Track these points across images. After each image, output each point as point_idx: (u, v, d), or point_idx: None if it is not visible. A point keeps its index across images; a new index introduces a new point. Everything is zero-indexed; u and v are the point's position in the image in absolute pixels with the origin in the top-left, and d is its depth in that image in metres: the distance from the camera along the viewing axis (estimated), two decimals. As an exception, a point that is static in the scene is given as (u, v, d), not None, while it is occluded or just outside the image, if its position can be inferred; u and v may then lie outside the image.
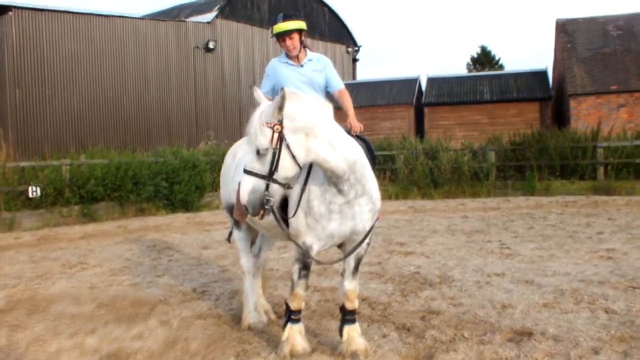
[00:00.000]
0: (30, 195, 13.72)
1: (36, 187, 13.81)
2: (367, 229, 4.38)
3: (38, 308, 6.37)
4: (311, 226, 4.27)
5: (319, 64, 5.06)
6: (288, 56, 5.01)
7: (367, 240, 4.51)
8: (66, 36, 20.95)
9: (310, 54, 5.09)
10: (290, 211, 4.33)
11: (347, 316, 4.58)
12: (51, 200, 14.02)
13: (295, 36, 4.87)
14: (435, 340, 4.81)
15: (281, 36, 4.84)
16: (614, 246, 8.61)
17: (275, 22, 4.84)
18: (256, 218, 4.22)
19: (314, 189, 4.24)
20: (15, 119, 19.81)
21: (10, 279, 7.97)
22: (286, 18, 4.85)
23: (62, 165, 14.76)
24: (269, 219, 4.49)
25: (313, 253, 4.35)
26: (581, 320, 5.18)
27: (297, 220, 4.32)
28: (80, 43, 21.28)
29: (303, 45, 4.98)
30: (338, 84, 5.13)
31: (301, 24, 4.87)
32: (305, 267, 4.43)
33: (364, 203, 4.28)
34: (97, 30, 21.85)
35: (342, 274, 4.65)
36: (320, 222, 4.23)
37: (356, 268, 4.58)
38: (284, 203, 4.44)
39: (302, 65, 5.00)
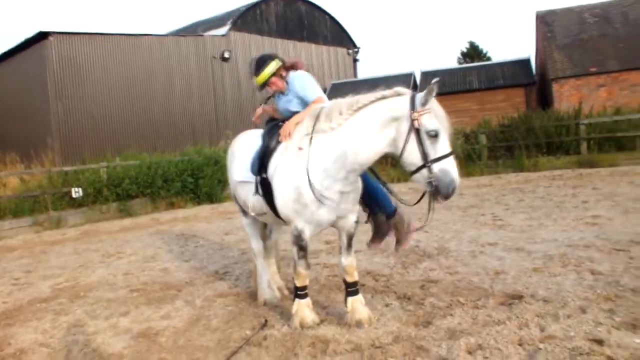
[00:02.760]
0: (73, 195, 13.74)
1: (78, 188, 13.83)
2: (352, 213, 4.29)
3: (79, 295, 6.32)
4: (299, 211, 4.16)
5: (288, 95, 4.74)
6: None
7: (354, 219, 4.37)
8: (100, 55, 21.03)
9: (289, 82, 4.72)
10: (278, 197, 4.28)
11: (350, 288, 4.46)
12: (92, 199, 14.03)
13: (274, 80, 4.67)
14: (433, 307, 4.66)
15: (265, 84, 4.66)
16: (599, 213, 8.36)
17: (254, 73, 4.63)
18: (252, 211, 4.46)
19: (307, 175, 4.10)
20: (58, 129, 19.94)
21: (56, 269, 7.94)
22: (258, 69, 4.62)
23: (100, 168, 14.74)
24: (260, 207, 4.53)
25: (306, 237, 4.26)
26: (569, 282, 4.99)
27: (285, 206, 4.25)
28: (112, 60, 21.35)
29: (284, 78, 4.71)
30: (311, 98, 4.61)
31: (273, 67, 4.62)
32: (301, 248, 4.33)
33: (353, 192, 4.20)
34: (127, 48, 21.90)
35: (339, 252, 4.53)
36: (310, 207, 4.11)
37: (349, 244, 4.45)
38: (269, 192, 4.39)
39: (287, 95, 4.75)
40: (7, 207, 13.25)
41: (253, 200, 4.61)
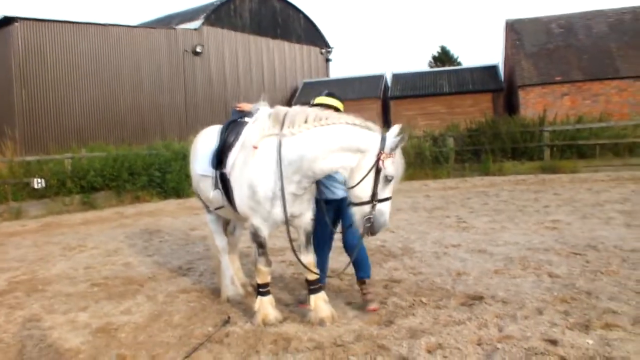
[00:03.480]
0: (35, 186, 13.35)
1: (40, 179, 13.44)
2: (308, 211, 4.35)
3: (36, 288, 6.14)
4: (255, 209, 4.24)
5: None
6: None
7: (311, 217, 4.41)
8: (67, 43, 20.52)
9: None
10: (236, 194, 4.35)
11: (311, 286, 4.47)
12: (54, 191, 13.67)
13: None
14: (396, 306, 4.69)
15: (317, 107, 4.51)
16: (559, 218, 8.57)
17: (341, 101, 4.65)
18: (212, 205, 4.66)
19: (262, 174, 4.16)
20: (21, 118, 19.40)
21: (14, 262, 7.71)
22: (329, 95, 4.67)
23: (64, 159, 14.38)
24: (219, 201, 4.63)
25: (263, 234, 4.31)
26: (528, 284, 5.10)
27: (242, 203, 4.33)
28: (80, 49, 20.85)
29: None
30: None
31: (337, 105, 4.57)
32: (260, 245, 4.38)
33: (307, 194, 4.30)
34: (95, 38, 21.40)
35: (298, 250, 4.49)
36: (264, 205, 4.17)
37: (308, 242, 4.47)
38: (228, 189, 4.46)
39: None
40: (-36, 197, 12.82)
41: (213, 194, 4.64)
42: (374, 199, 3.81)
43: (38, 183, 13.38)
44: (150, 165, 14.93)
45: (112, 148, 16.24)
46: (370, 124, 3.95)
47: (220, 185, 4.56)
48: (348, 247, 4.69)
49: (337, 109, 4.49)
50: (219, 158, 4.52)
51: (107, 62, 21.75)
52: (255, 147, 4.20)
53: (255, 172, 4.18)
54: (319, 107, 4.30)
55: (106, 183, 14.29)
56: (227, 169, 4.44)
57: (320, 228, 4.61)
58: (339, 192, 4.58)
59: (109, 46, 21.88)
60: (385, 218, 3.85)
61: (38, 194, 13.52)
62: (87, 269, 6.97)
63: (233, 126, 4.61)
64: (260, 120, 4.39)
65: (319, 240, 4.70)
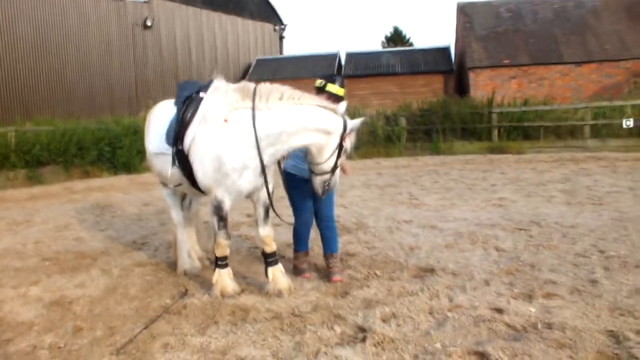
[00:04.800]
0: (-25, 160, 12.74)
1: (-19, 152, 12.83)
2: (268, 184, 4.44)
3: (-18, 263, 5.94)
4: (220, 181, 4.26)
5: None
6: None
7: (271, 189, 4.50)
8: (10, 11, 19.34)
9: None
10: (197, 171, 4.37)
11: (269, 258, 4.54)
12: (-4, 165, 13.08)
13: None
14: (351, 278, 4.83)
15: (326, 93, 4.66)
16: (505, 195, 8.93)
17: (330, 80, 4.74)
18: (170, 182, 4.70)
19: (232, 146, 4.19)
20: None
21: (-44, 237, 7.40)
22: (342, 85, 4.79)
23: (7, 132, 13.73)
24: (177, 178, 4.64)
25: (226, 207, 4.33)
26: (476, 257, 5.34)
27: (205, 176, 4.33)
28: (21, 15, 19.70)
29: None
30: None
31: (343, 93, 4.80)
32: (221, 218, 4.40)
33: (272, 166, 4.46)
34: (40, 7, 20.28)
35: (256, 223, 4.61)
36: (231, 176, 4.21)
37: (266, 215, 4.57)
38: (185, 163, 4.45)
39: None
40: None
41: (171, 171, 4.58)
42: (334, 170, 4.27)
43: (-21, 157, 12.78)
44: (100, 139, 14.49)
45: (60, 122, 15.59)
46: (334, 107, 4.27)
47: (177, 162, 4.50)
48: (322, 218, 4.94)
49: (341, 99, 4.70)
50: (177, 135, 4.45)
51: (53, 33, 20.70)
52: (225, 121, 4.21)
53: (223, 144, 4.19)
54: (326, 94, 4.59)
55: (53, 158, 13.78)
56: (186, 145, 4.39)
57: (304, 202, 4.84)
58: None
59: (54, 16, 20.85)
60: (337, 181, 4.44)
61: (-22, 168, 12.92)
62: (36, 244, 6.78)
63: (188, 102, 4.52)
64: (223, 94, 4.36)
65: (304, 212, 4.90)
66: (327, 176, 4.29)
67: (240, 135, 4.19)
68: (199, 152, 4.32)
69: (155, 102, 5.60)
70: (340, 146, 4.22)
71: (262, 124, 4.17)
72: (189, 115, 4.42)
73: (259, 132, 4.15)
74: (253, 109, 4.20)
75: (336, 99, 4.62)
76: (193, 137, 4.36)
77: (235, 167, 4.20)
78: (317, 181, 4.31)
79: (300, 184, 4.79)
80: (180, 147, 4.43)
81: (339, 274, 4.84)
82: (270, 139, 4.18)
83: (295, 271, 5.03)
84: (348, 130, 4.25)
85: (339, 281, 4.74)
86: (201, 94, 4.51)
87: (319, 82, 4.73)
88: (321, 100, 4.31)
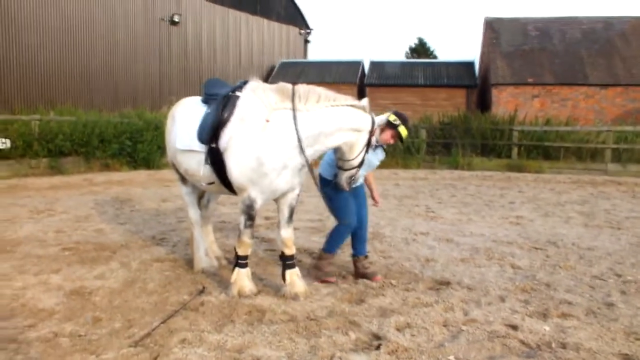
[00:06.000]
0: (-1, 146, 13.03)
1: (6, 139, 13.09)
2: (298, 186, 4.64)
3: (5, 249, 6.10)
4: (256, 181, 4.33)
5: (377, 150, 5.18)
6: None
7: (298, 192, 4.68)
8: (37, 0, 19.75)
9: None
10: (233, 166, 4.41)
11: (287, 261, 4.61)
12: (20, 153, 13.32)
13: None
14: (366, 287, 4.89)
15: (394, 130, 4.85)
16: (522, 214, 8.92)
17: (405, 124, 4.89)
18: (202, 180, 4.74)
19: (274, 146, 4.29)
20: (-15, 74, 18.63)
21: (-21, 221, 7.59)
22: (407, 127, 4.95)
23: (31, 120, 14.02)
24: (209, 176, 4.68)
25: (257, 206, 4.40)
26: (492, 273, 5.37)
27: (242, 176, 4.38)
28: (50, 7, 20.08)
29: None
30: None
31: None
32: (249, 218, 4.47)
33: (305, 167, 4.53)
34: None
35: (278, 225, 4.69)
36: (270, 176, 4.29)
37: (290, 217, 4.67)
38: (222, 166, 4.50)
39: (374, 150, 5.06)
40: None
41: (204, 169, 4.62)
42: (361, 165, 4.54)
43: (3, 143, 13.04)
44: (121, 133, 14.73)
45: (82, 113, 15.87)
46: (364, 105, 4.46)
47: (209, 160, 4.54)
48: (359, 221, 5.16)
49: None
50: (212, 133, 4.48)
51: (80, 24, 21.08)
52: (267, 121, 4.30)
53: (265, 145, 4.27)
54: (394, 131, 4.84)
55: (75, 148, 14.05)
56: (222, 144, 4.43)
57: (348, 207, 5.02)
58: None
59: (81, 8, 21.22)
60: (360, 174, 4.83)
61: (2, 155, 13.18)
62: (57, 233, 6.94)
63: (226, 101, 4.56)
64: (262, 95, 4.44)
65: (350, 216, 5.05)
66: (354, 171, 4.51)
67: (282, 136, 4.28)
68: (237, 152, 4.36)
69: (178, 98, 5.64)
70: (369, 142, 4.44)
71: (303, 125, 4.30)
72: (226, 114, 4.46)
73: (300, 133, 4.27)
74: (294, 110, 4.31)
75: (398, 138, 4.91)
76: (230, 136, 4.40)
77: (275, 167, 4.29)
78: (345, 176, 4.53)
79: (340, 190, 4.90)
80: (214, 146, 4.47)
81: (377, 274, 5.13)
82: (310, 140, 4.33)
83: (318, 273, 5.07)
84: (375, 126, 4.49)
85: (379, 280, 5.00)
86: (237, 93, 4.57)
87: (393, 118, 4.85)
88: (352, 100, 4.47)
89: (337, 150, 4.54)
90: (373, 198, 5.43)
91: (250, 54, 29.61)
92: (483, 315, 4.15)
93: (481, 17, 27.99)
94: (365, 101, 4.52)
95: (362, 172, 4.96)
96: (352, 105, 4.41)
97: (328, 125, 4.32)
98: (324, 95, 4.40)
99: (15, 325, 3.90)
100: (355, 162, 4.47)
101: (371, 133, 4.43)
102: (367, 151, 4.51)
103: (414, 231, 7.33)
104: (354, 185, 4.83)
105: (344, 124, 4.34)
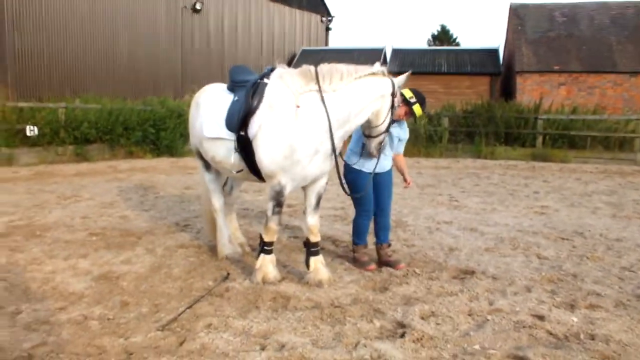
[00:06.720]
0: (27, 133, 13.25)
1: (34, 126, 13.35)
2: (327, 173, 4.63)
3: (35, 233, 6.24)
4: (287, 168, 4.29)
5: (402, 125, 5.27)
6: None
7: (326, 180, 4.67)
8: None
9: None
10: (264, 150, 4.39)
11: (312, 248, 4.61)
12: (47, 140, 13.58)
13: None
14: (390, 275, 4.88)
15: (408, 107, 4.95)
16: (548, 204, 8.80)
17: (422, 103, 5.01)
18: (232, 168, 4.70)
19: (306, 132, 4.27)
20: (13, 61, 18.96)
21: (9, 207, 7.76)
22: (423, 105, 5.04)
23: (58, 108, 14.24)
24: (239, 164, 4.64)
25: (286, 192, 4.40)
26: (517, 263, 5.32)
27: (273, 163, 4.34)
28: (75, -1, 20.33)
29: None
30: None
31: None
32: (278, 204, 4.46)
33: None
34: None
35: (304, 212, 4.69)
36: (302, 163, 4.28)
37: (317, 204, 4.66)
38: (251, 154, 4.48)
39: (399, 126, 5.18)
40: (-46, 138, 12.73)
41: (234, 157, 4.59)
42: (388, 129, 4.57)
43: (31, 131, 13.29)
44: (145, 121, 14.89)
45: (107, 101, 16.08)
46: (382, 70, 4.46)
47: (238, 148, 4.52)
48: (381, 209, 5.21)
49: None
50: (242, 121, 4.45)
51: (103, 12, 21.29)
52: (297, 106, 4.27)
53: (296, 131, 4.25)
54: (408, 108, 4.92)
55: (100, 136, 14.26)
56: (251, 132, 4.40)
57: (367, 193, 5.03)
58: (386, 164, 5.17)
59: (105, -3, 21.43)
60: (387, 141, 4.81)
61: (30, 142, 13.43)
62: (84, 219, 7.06)
63: (255, 88, 4.52)
64: (288, 80, 4.41)
65: (366, 203, 5.11)
66: (382, 137, 4.54)
67: (313, 120, 4.27)
68: (268, 139, 4.33)
69: (200, 86, 5.59)
70: (392, 104, 4.43)
71: (332, 107, 4.30)
72: (255, 101, 4.43)
73: (330, 115, 4.27)
74: (320, 91, 4.30)
75: (411, 115, 4.97)
76: (260, 124, 4.37)
77: (308, 153, 4.27)
78: (373, 143, 4.55)
79: (362, 175, 4.96)
80: (243, 134, 4.45)
81: (401, 262, 5.14)
82: (340, 122, 4.33)
83: (356, 264, 5.14)
84: (396, 88, 4.46)
85: (404, 268, 5.02)
86: (265, 80, 4.54)
87: (409, 95, 4.90)
88: (371, 67, 4.44)
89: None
90: (405, 180, 5.45)
91: (271, 41, 29.58)
92: (509, 305, 4.11)
93: (505, 3, 27.43)
94: (378, 65, 4.50)
95: (388, 152, 5.04)
96: (373, 74, 4.40)
97: (356, 102, 4.33)
98: (345, 71, 4.38)
99: (47, 308, 4.00)
100: (383, 127, 4.48)
101: (394, 95, 4.41)
102: (392, 114, 4.50)
103: (437, 220, 7.29)
104: (383, 151, 4.78)
105: (370, 95, 4.35)
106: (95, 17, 20.97)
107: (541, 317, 3.88)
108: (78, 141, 13.88)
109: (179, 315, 3.90)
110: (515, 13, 26.39)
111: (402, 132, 5.23)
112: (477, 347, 3.42)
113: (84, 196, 8.75)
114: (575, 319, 3.85)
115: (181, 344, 3.43)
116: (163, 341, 3.47)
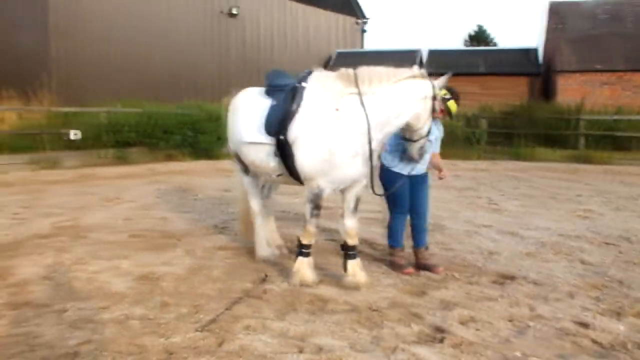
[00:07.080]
0: (71, 137, 13.70)
1: (77, 130, 13.78)
2: (365, 176, 4.57)
3: (79, 235, 6.42)
4: (326, 171, 4.31)
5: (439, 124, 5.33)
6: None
7: (364, 183, 4.64)
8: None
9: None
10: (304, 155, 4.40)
11: (350, 251, 4.61)
12: (90, 143, 13.99)
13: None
14: (428, 279, 4.84)
15: (445, 106, 4.92)
16: (591, 207, 8.56)
17: (457, 99, 5.07)
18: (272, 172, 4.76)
19: (346, 135, 4.29)
20: (56, 67, 19.60)
21: (55, 208, 8.03)
22: (457, 100, 5.10)
23: (100, 112, 14.66)
24: (279, 168, 4.67)
25: (324, 196, 4.41)
26: (559, 268, 5.19)
27: (312, 166, 4.37)
28: (115, 6, 20.88)
29: None
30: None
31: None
32: (316, 207, 4.48)
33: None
34: (131, -7, 21.41)
35: (342, 215, 4.68)
36: (342, 166, 4.31)
37: (355, 208, 4.65)
38: (288, 155, 4.48)
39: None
40: (3, 142, 13.23)
41: (274, 162, 4.63)
42: (429, 132, 4.55)
43: (74, 135, 13.74)
44: (183, 124, 15.18)
45: (147, 105, 16.45)
46: (422, 72, 4.47)
47: (279, 152, 4.55)
48: (417, 212, 5.19)
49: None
50: (281, 125, 4.47)
51: (142, 20, 21.82)
52: (337, 110, 4.30)
53: (337, 134, 4.27)
54: (443, 104, 4.81)
55: (140, 139, 14.60)
56: (291, 136, 4.42)
57: (402, 196, 5.04)
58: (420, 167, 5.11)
59: (144, 4, 21.93)
60: (428, 146, 4.83)
61: (74, 145, 13.87)
62: (125, 220, 7.24)
63: (293, 92, 4.54)
64: (327, 83, 4.43)
65: (401, 206, 5.12)
66: (423, 141, 4.53)
67: (353, 123, 4.28)
68: (307, 143, 4.35)
69: (237, 90, 5.61)
70: (433, 108, 4.42)
71: (371, 109, 4.29)
72: (294, 105, 4.45)
73: (369, 118, 4.26)
74: (360, 94, 4.31)
75: (447, 112, 4.96)
76: (299, 128, 4.39)
77: (347, 156, 4.29)
78: (415, 148, 4.55)
79: (397, 178, 4.95)
80: (282, 138, 4.47)
81: (440, 266, 5.08)
82: (379, 125, 4.32)
83: (393, 267, 5.11)
84: (437, 90, 4.45)
85: (442, 272, 4.96)
86: (303, 84, 4.55)
87: (444, 92, 4.84)
88: (410, 70, 4.44)
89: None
90: (440, 173, 5.40)
91: (307, 44, 29.72)
92: (551, 312, 4.02)
93: (543, 2, 26.77)
94: (417, 68, 4.51)
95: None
96: (412, 77, 4.39)
97: (396, 105, 4.31)
98: (384, 73, 4.38)
99: (91, 307, 4.11)
100: (424, 131, 4.47)
101: (434, 98, 4.40)
102: (433, 117, 4.50)
103: (476, 223, 7.18)
104: (424, 156, 4.78)
105: (410, 98, 4.33)
106: (135, 23, 21.51)
107: (585, 325, 3.77)
108: (119, 144, 14.25)
109: (218, 316, 3.95)
110: (555, 11, 25.80)
111: (437, 131, 5.18)
112: (518, 354, 3.35)
113: (125, 198, 8.97)
114: (622, 327, 3.73)
115: (220, 345, 3.48)
116: (202, 342, 3.52)
